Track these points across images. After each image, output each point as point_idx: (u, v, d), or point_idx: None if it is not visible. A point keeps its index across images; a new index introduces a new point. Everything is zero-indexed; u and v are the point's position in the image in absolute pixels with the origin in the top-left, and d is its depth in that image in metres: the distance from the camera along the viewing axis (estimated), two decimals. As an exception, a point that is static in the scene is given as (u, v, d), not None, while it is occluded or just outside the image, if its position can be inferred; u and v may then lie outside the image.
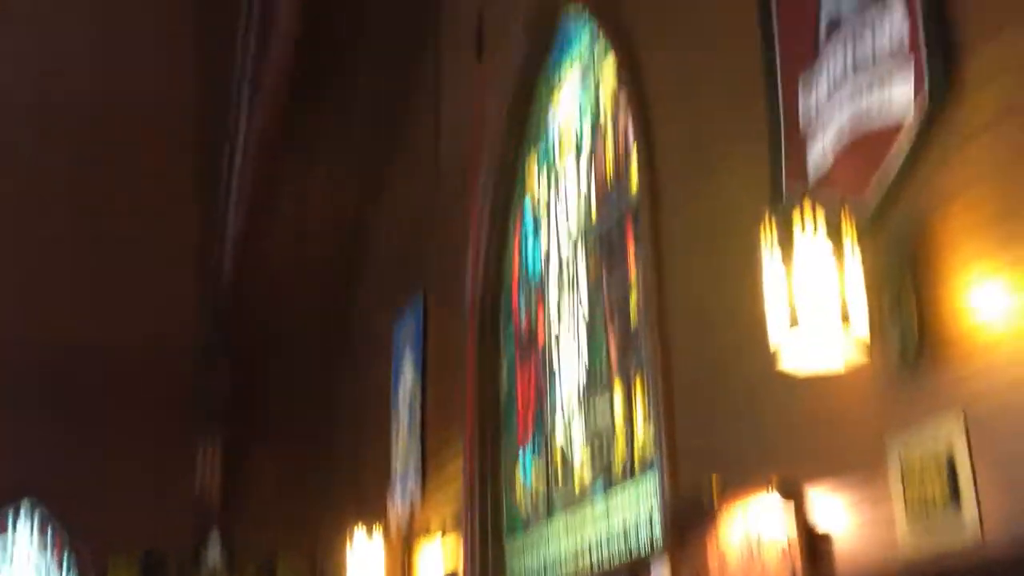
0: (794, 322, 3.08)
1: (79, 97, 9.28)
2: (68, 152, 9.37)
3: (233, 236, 9.05)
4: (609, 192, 5.45)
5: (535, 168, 6.58)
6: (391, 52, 8.86)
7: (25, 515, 9.75)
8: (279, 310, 10.17)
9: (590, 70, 5.82)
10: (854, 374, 3.23)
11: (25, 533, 9.70)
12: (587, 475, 5.38)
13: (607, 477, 5.18)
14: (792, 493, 3.46)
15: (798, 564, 3.37)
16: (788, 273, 3.12)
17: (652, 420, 4.58)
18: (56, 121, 9.30)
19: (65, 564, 9.70)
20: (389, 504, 8.01)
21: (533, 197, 6.55)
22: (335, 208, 9.95)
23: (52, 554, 9.74)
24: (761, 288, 3.25)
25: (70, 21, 9.23)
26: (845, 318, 3.05)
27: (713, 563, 3.82)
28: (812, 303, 3.06)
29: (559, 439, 5.81)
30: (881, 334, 3.13)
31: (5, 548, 9.66)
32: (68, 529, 9.71)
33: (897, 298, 3.13)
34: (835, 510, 3.32)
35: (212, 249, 9.72)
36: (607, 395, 5.24)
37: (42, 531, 9.73)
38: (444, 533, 6.94)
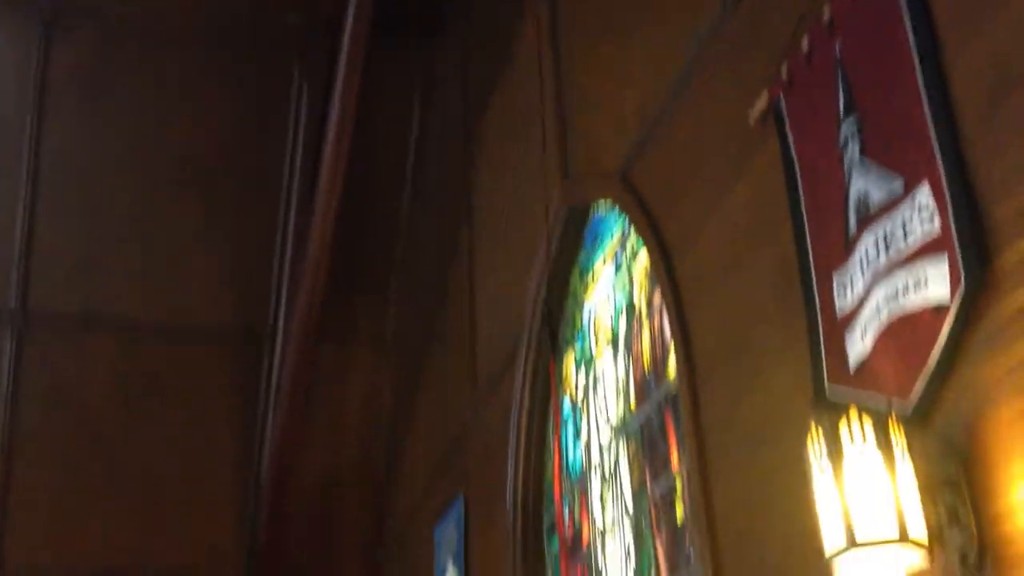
0: (850, 535, 2.90)
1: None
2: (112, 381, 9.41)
3: (273, 450, 8.95)
4: (647, 382, 5.31)
5: (572, 366, 6.45)
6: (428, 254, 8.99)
7: None
8: (317, 519, 9.93)
9: (623, 265, 5.76)
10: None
11: None
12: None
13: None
14: None
15: None
16: (839, 487, 2.97)
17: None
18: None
19: None
20: None
21: (572, 395, 6.40)
22: (371, 412, 9.86)
23: None
24: (811, 494, 3.08)
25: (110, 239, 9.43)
26: (903, 530, 2.86)
27: None
28: (866, 516, 2.90)
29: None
30: (940, 542, 2.93)
31: None
32: None
33: (953, 504, 2.95)
34: None
35: (251, 467, 9.60)
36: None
37: None
38: None
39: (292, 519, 9.43)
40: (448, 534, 7.84)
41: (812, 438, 3.09)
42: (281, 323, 9.00)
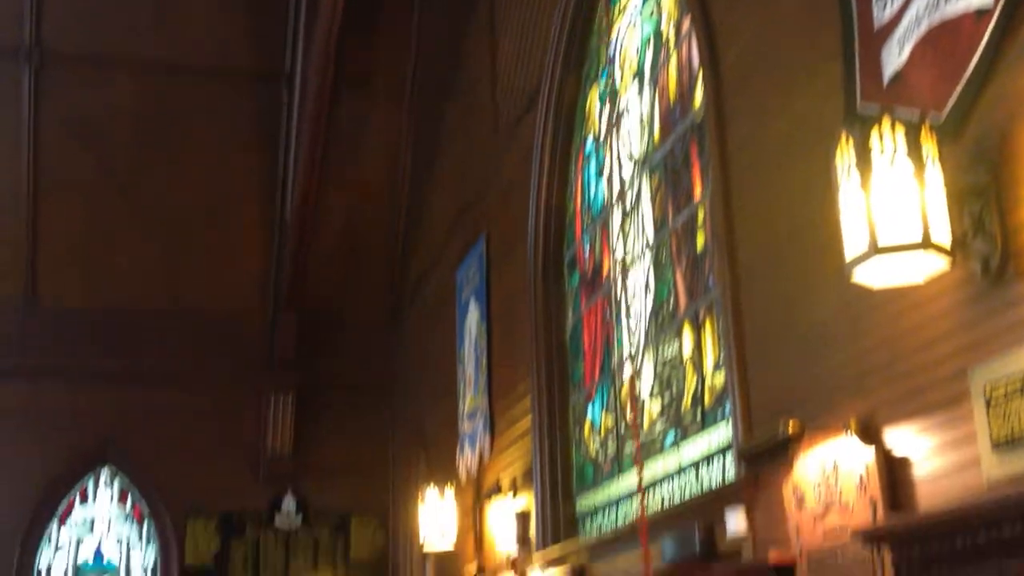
0: (873, 241, 2.87)
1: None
2: (132, 122, 9.33)
3: (296, 193, 8.95)
4: (672, 112, 5.21)
5: (595, 103, 6.33)
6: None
7: (105, 483, 9.84)
8: (343, 264, 10.09)
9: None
10: (935, 293, 3.02)
11: (105, 500, 9.79)
12: (658, 427, 5.16)
13: (679, 429, 4.96)
14: (871, 434, 3.23)
15: (879, 503, 3.14)
16: (866, 196, 2.91)
17: (723, 365, 4.36)
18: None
19: (145, 529, 9.77)
20: (459, 461, 7.89)
21: (595, 131, 6.31)
22: (393, 157, 9.82)
23: (132, 520, 9.82)
24: (836, 210, 3.04)
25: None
26: (926, 235, 2.83)
27: (789, 506, 3.60)
28: (891, 222, 2.86)
29: (627, 389, 5.60)
30: (963, 249, 2.91)
31: (86, 517, 9.76)
32: (146, 495, 9.77)
33: (979, 211, 2.90)
34: (915, 445, 3.07)
35: (278, 209, 9.64)
36: (676, 341, 5.01)
37: (121, 499, 9.81)
38: (515, 490, 6.79)
39: (316, 263, 9.57)
40: (470, 274, 7.94)
41: (841, 149, 3.01)
42: (299, 65, 8.81)
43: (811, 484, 3.49)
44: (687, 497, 4.77)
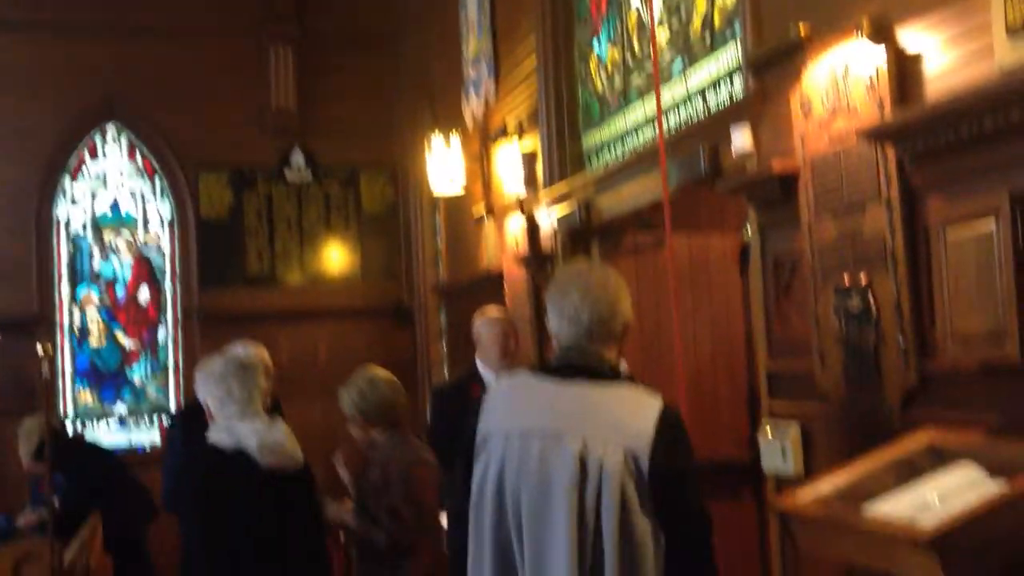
0: None
1: None
2: None
3: None
4: None
5: None
6: None
7: (112, 139, 9.88)
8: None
9: None
10: None
11: (115, 155, 9.87)
12: (666, 56, 5.07)
13: (686, 56, 4.88)
14: (883, 33, 3.16)
15: (886, 102, 3.13)
16: None
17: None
18: None
19: (158, 184, 9.92)
20: (464, 109, 7.85)
21: None
22: None
23: (145, 175, 9.94)
24: None
25: None
26: None
27: (796, 116, 3.59)
28: None
29: (635, 19, 5.46)
30: None
31: (98, 172, 9.88)
32: (154, 150, 9.83)
33: None
34: (928, 41, 3.02)
35: None
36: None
37: (130, 155, 9.89)
38: (521, 132, 6.80)
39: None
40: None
41: None
42: None
43: (819, 92, 3.46)
44: (693, 115, 4.78)
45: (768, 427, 3.89)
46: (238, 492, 3.58)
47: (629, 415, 2.48)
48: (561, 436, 2.50)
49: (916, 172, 3.07)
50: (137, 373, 9.82)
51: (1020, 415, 2.69)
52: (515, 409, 2.63)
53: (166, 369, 9.90)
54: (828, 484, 2.91)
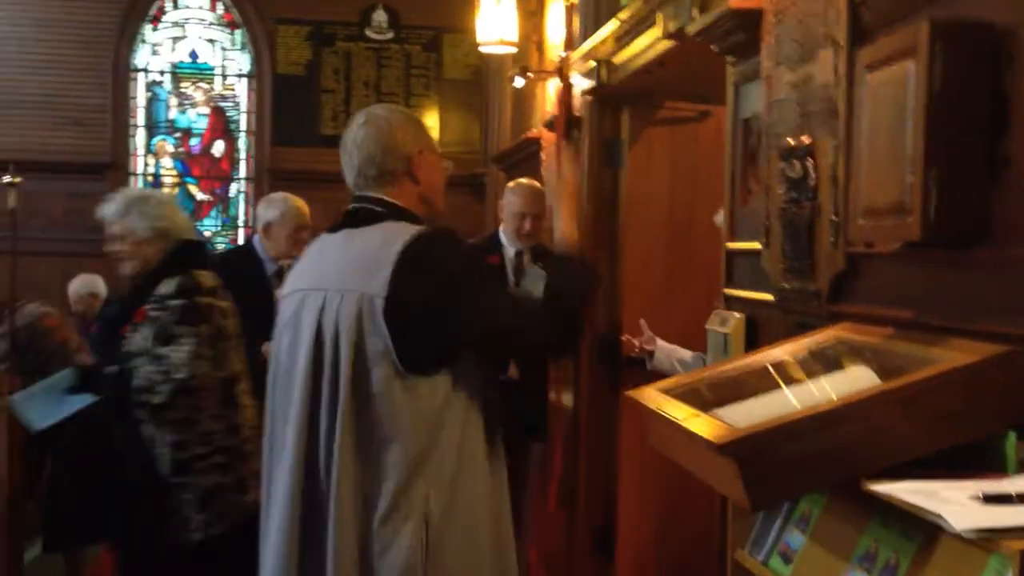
0: None
1: None
2: None
3: None
4: None
5: None
6: None
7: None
8: None
9: None
10: None
11: (195, 4, 9.66)
12: None
13: None
14: None
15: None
16: None
17: None
18: None
19: (237, 37, 9.68)
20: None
21: None
22: None
23: (225, 26, 9.72)
24: None
25: None
26: None
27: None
28: None
29: None
30: None
31: (177, 20, 9.70)
32: (235, 1, 9.60)
33: None
34: None
35: None
36: None
37: (211, 7, 9.67)
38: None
39: None
40: None
41: None
42: None
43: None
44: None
45: (715, 318, 3.37)
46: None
47: (373, 258, 2.24)
48: (308, 294, 2.35)
49: (865, 8, 2.47)
50: (207, 226, 9.77)
51: (931, 304, 2.14)
52: (299, 269, 2.56)
53: (235, 224, 9.81)
54: (700, 378, 2.42)
